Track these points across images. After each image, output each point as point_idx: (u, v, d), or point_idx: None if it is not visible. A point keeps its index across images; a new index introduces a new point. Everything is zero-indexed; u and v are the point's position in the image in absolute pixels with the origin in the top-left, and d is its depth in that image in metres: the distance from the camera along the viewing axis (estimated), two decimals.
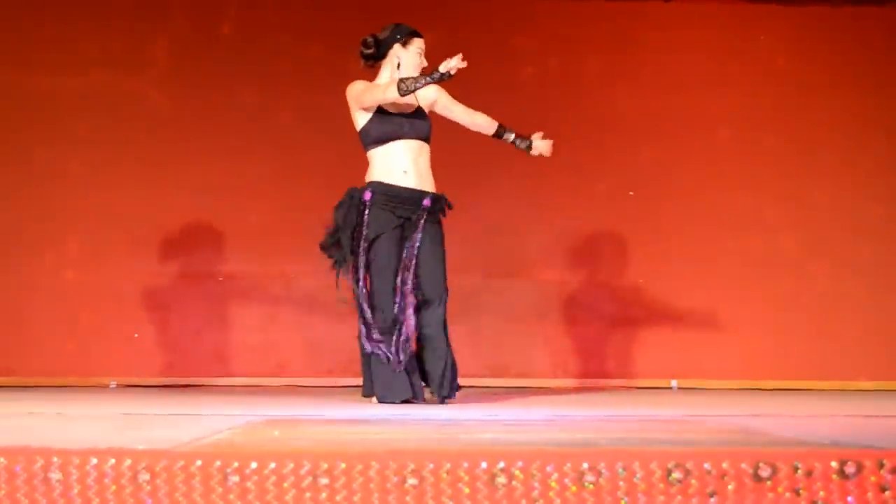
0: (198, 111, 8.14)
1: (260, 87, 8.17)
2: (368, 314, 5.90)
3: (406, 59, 6.15)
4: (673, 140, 8.16)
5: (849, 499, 2.54)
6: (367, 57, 6.20)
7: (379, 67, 6.22)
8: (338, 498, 2.56)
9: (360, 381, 7.85)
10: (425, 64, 6.16)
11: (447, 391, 5.90)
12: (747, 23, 8.26)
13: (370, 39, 6.21)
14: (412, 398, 5.83)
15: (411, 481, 2.57)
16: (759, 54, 8.25)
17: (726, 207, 8.13)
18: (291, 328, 8.09)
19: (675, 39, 8.25)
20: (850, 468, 2.56)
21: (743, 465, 2.57)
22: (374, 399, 5.93)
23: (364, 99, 6.06)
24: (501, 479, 2.57)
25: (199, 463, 2.58)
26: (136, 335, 8.05)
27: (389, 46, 6.19)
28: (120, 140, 8.11)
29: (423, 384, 5.94)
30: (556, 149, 7.91)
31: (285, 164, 8.11)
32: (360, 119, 6.14)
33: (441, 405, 5.76)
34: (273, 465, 2.57)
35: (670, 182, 8.13)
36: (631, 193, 8.12)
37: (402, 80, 5.81)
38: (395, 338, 5.84)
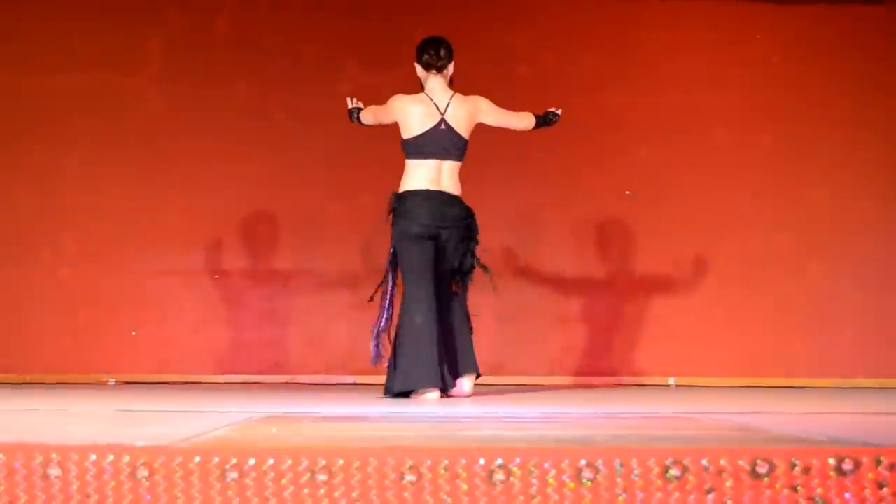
0: (194, 110, 8.15)
1: (256, 85, 8.17)
2: None
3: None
4: (669, 139, 8.16)
5: (846, 495, 2.55)
6: (445, 62, 6.24)
7: (427, 74, 6.28)
8: (336, 494, 2.56)
9: (358, 378, 7.87)
10: None
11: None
12: (744, 22, 8.26)
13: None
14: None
15: (409, 478, 2.57)
16: (756, 53, 8.25)
17: (723, 206, 8.13)
18: (289, 325, 8.09)
19: (671, 38, 8.25)
20: (847, 465, 2.56)
21: (740, 462, 2.57)
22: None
23: (495, 115, 6.33)
24: (499, 476, 2.58)
25: (197, 459, 2.58)
26: (133, 333, 8.05)
27: (452, 61, 6.28)
28: (116, 138, 8.11)
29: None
30: (552, 148, 7.92)
31: (281, 163, 8.12)
32: (471, 131, 6.29)
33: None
34: (271, 461, 2.57)
35: (667, 181, 8.13)
36: (627, 193, 8.13)
37: (538, 116, 6.38)
38: None
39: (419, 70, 6.28)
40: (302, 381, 7.96)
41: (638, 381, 7.99)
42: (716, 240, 8.12)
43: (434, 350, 6.07)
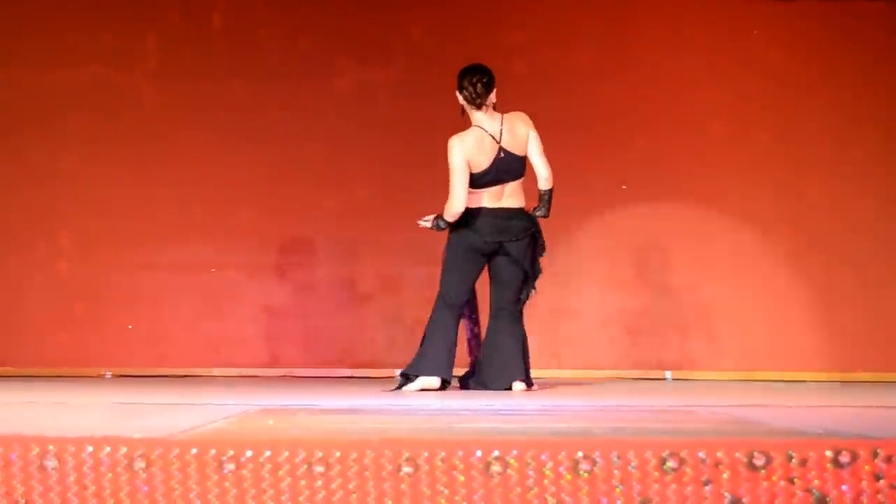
0: (189, 105, 8.14)
1: (251, 81, 8.16)
2: None
3: None
4: (666, 134, 8.15)
5: (843, 487, 2.55)
6: (485, 97, 6.27)
7: (471, 107, 6.30)
8: (333, 486, 2.56)
9: (354, 371, 7.88)
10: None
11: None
12: (740, 17, 8.25)
13: None
14: None
15: (406, 469, 2.57)
16: (753, 48, 8.24)
17: (720, 201, 8.13)
18: (285, 319, 8.09)
19: (667, 33, 8.24)
20: (844, 457, 2.56)
21: (737, 454, 2.57)
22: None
23: (535, 152, 6.36)
24: (496, 468, 2.58)
25: (194, 451, 2.58)
26: (130, 326, 8.05)
27: (493, 89, 6.31)
28: (111, 134, 8.10)
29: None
30: (548, 143, 7.91)
31: (276, 157, 8.11)
32: (526, 145, 6.37)
33: None
34: (268, 453, 2.57)
35: (663, 176, 8.12)
36: (624, 187, 8.12)
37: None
38: None
39: (461, 100, 6.30)
40: (299, 375, 7.96)
41: (635, 375, 7.99)
42: (713, 234, 8.12)
43: (445, 343, 6.24)
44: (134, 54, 8.16)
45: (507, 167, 6.24)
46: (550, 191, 6.38)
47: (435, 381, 6.16)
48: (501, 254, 6.31)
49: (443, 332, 6.26)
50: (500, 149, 6.22)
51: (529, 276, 6.36)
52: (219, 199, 8.09)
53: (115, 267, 8.04)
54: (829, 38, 8.23)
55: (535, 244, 6.37)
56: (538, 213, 6.39)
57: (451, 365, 6.24)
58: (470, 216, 6.27)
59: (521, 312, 6.40)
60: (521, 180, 6.32)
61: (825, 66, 8.22)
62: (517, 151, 6.26)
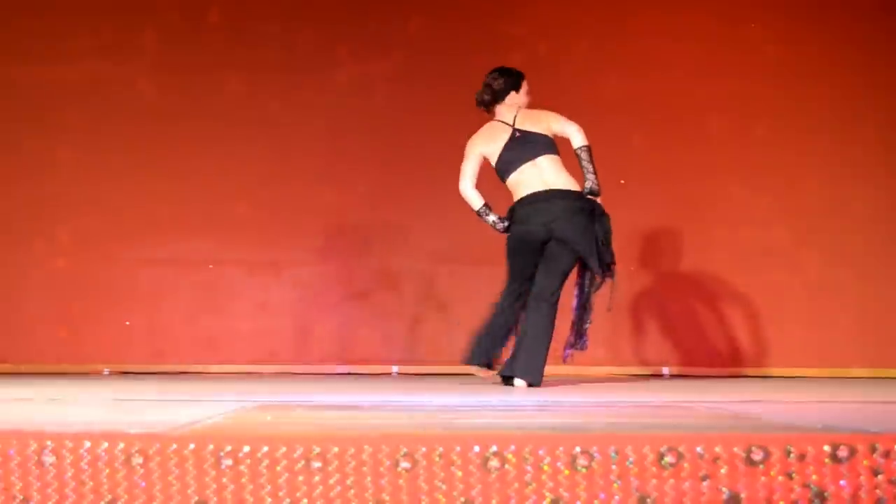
0: (187, 100, 8.14)
1: (249, 75, 8.16)
2: None
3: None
4: (663, 128, 8.16)
5: (841, 482, 2.55)
6: (490, 105, 6.38)
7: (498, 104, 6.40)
8: (330, 481, 2.56)
9: (352, 368, 7.88)
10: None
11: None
12: (739, 10, 8.26)
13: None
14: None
15: (404, 465, 2.57)
16: (751, 42, 8.25)
17: (717, 196, 8.13)
18: (283, 316, 8.09)
19: (665, 26, 8.25)
20: (842, 452, 2.56)
21: (735, 449, 2.57)
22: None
23: (560, 125, 6.33)
24: (494, 463, 2.57)
25: (192, 446, 2.58)
26: (127, 323, 8.05)
27: (503, 95, 6.39)
28: (109, 129, 8.10)
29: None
30: None
31: (274, 152, 8.12)
32: (550, 131, 6.38)
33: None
34: (266, 448, 2.57)
35: (661, 170, 8.13)
36: (622, 182, 8.12)
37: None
38: None
39: None
40: (296, 371, 7.96)
41: (632, 371, 7.99)
42: (710, 229, 8.12)
43: (482, 333, 6.34)
44: (131, 49, 8.17)
45: (524, 141, 6.22)
46: (585, 148, 6.26)
47: (473, 369, 6.33)
48: (554, 239, 6.20)
49: (485, 322, 6.37)
50: (514, 129, 6.25)
51: (588, 260, 6.20)
52: (217, 194, 8.10)
53: (113, 263, 8.05)
54: (826, 32, 8.24)
55: (592, 226, 6.20)
56: (587, 187, 6.24)
57: (475, 350, 6.30)
58: (516, 209, 6.28)
59: (549, 313, 6.32)
60: (555, 157, 6.26)
61: (823, 60, 8.23)
62: (536, 130, 6.25)
